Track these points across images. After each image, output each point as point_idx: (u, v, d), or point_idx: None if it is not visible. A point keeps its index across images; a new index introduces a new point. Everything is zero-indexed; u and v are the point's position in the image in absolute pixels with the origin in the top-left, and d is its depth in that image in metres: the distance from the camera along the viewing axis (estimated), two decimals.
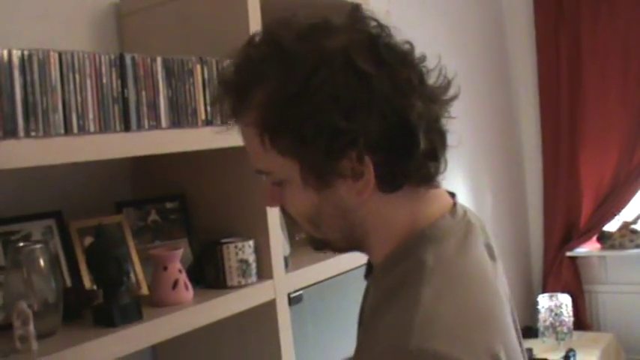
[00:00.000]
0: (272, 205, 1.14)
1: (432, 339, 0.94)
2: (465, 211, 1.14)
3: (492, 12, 4.74)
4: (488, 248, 1.15)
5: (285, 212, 1.15)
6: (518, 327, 1.20)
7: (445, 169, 1.08)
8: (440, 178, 1.09)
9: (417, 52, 1.06)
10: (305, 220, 1.11)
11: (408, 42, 1.05)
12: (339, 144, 0.99)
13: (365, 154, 1.00)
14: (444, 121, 1.07)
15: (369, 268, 1.19)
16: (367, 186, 1.02)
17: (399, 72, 1.01)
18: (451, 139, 1.09)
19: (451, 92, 1.08)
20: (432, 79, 1.06)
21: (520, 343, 1.15)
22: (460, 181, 3.93)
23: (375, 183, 1.02)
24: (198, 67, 1.64)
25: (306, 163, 1.02)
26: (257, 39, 1.05)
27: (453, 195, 1.16)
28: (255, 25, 1.77)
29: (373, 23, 1.04)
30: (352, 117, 0.98)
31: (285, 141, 1.01)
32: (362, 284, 2.17)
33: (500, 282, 1.14)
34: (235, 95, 1.05)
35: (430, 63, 1.07)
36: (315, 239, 1.16)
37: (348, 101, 0.98)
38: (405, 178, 1.04)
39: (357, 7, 1.07)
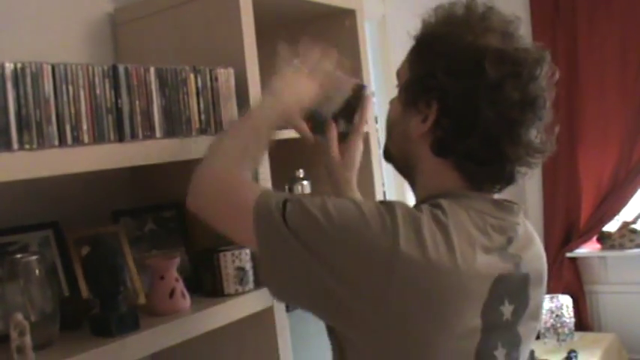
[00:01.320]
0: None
1: (400, 213, 1.16)
2: (510, 217, 1.29)
3: None
4: (510, 256, 1.25)
5: None
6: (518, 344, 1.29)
7: (496, 189, 1.31)
8: (487, 189, 1.30)
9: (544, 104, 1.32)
10: (387, 125, 1.41)
11: (545, 89, 1.30)
12: (426, 82, 1.26)
13: (434, 104, 1.25)
14: (518, 162, 1.28)
15: None
16: (423, 128, 1.27)
17: (506, 89, 1.21)
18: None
19: (543, 148, 1.32)
20: (535, 134, 1.29)
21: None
22: None
23: (429, 137, 1.27)
24: (192, 76, 1.64)
25: (407, 80, 1.32)
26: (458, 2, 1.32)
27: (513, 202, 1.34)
28: (248, 34, 1.77)
29: (534, 55, 1.28)
30: (446, 75, 1.23)
31: (412, 60, 1.32)
32: None
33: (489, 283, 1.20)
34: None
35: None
36: (386, 147, 1.43)
37: (452, 66, 1.23)
38: (448, 151, 1.27)
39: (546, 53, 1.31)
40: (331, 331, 1.28)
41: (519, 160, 1.27)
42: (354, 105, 1.67)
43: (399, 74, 1.37)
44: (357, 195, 1.66)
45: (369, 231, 1.14)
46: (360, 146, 1.70)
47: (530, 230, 1.36)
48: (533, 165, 1.31)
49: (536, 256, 1.32)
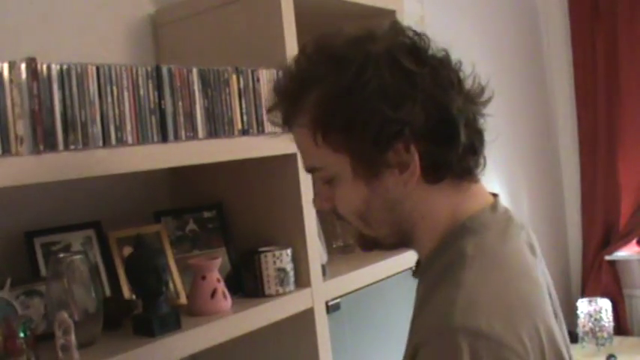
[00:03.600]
0: (322, 206, 1.20)
1: (474, 318, 0.99)
2: (507, 209, 1.19)
3: (526, 11, 4.69)
4: (530, 247, 1.19)
5: (335, 214, 1.19)
6: (564, 328, 1.22)
7: (484, 165, 1.16)
8: (479, 173, 1.16)
9: (454, 58, 1.14)
10: (355, 217, 1.16)
11: (444, 49, 1.13)
12: (387, 132, 1.06)
13: (411, 144, 1.07)
14: (481, 120, 1.14)
15: (418, 265, 1.23)
16: (413, 176, 1.09)
17: (440, 72, 1.09)
18: (488, 137, 1.16)
19: (486, 95, 1.15)
20: (468, 84, 1.14)
21: (566, 345, 1.17)
22: (496, 183, 3.90)
23: (420, 174, 1.09)
24: (234, 77, 1.64)
25: (357, 153, 1.09)
26: (308, 49, 1.13)
27: (495, 195, 1.22)
28: (290, 34, 1.77)
29: (411, 32, 1.12)
30: (398, 108, 1.05)
31: (337, 135, 1.09)
32: (399, 292, 2.17)
33: (542, 277, 1.17)
34: (289, 100, 1.13)
35: (465, 69, 1.15)
36: (365, 238, 1.20)
37: (394, 94, 1.06)
38: (447, 169, 1.11)
39: (395, 21, 1.16)
40: None
41: (481, 111, 1.15)
42: None
43: (320, 168, 1.14)
44: None
45: None
46: None
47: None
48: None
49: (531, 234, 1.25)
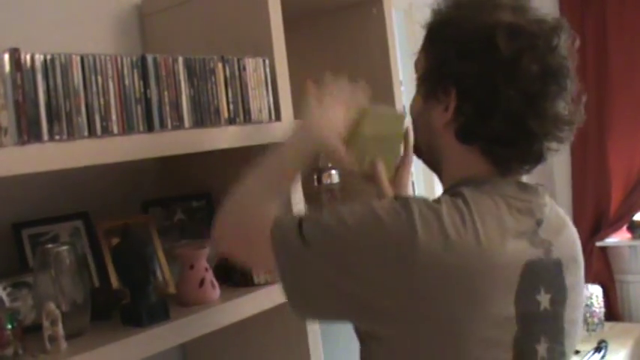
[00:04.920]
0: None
1: (422, 224, 1.12)
2: (531, 202, 1.25)
3: None
4: (539, 242, 1.22)
5: None
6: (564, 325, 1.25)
7: (525, 170, 1.28)
8: (515, 169, 1.27)
9: (570, 80, 1.27)
10: (412, 119, 1.39)
11: (566, 58, 1.25)
12: (441, 70, 1.25)
13: (452, 90, 1.23)
14: (549, 139, 1.23)
15: None
16: (446, 117, 1.25)
17: (522, 63, 1.18)
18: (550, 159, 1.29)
19: (568, 125, 1.26)
20: (561, 106, 1.24)
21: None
22: None
23: (454, 128, 1.25)
24: (220, 65, 1.64)
25: (424, 71, 1.31)
26: None
27: (540, 185, 1.32)
28: (276, 23, 1.77)
29: (562, 35, 1.24)
30: (459, 59, 1.22)
31: (426, 50, 1.31)
32: None
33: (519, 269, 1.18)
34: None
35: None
36: (417, 142, 1.42)
37: (464, 49, 1.22)
38: (473, 137, 1.24)
39: (560, 19, 1.26)
40: (357, 329, 1.26)
41: (547, 136, 1.22)
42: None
43: (416, 66, 1.35)
44: None
45: (384, 229, 1.13)
46: (410, 177, 1.61)
47: (561, 214, 1.33)
48: (564, 139, 1.25)
49: (568, 241, 1.30)
